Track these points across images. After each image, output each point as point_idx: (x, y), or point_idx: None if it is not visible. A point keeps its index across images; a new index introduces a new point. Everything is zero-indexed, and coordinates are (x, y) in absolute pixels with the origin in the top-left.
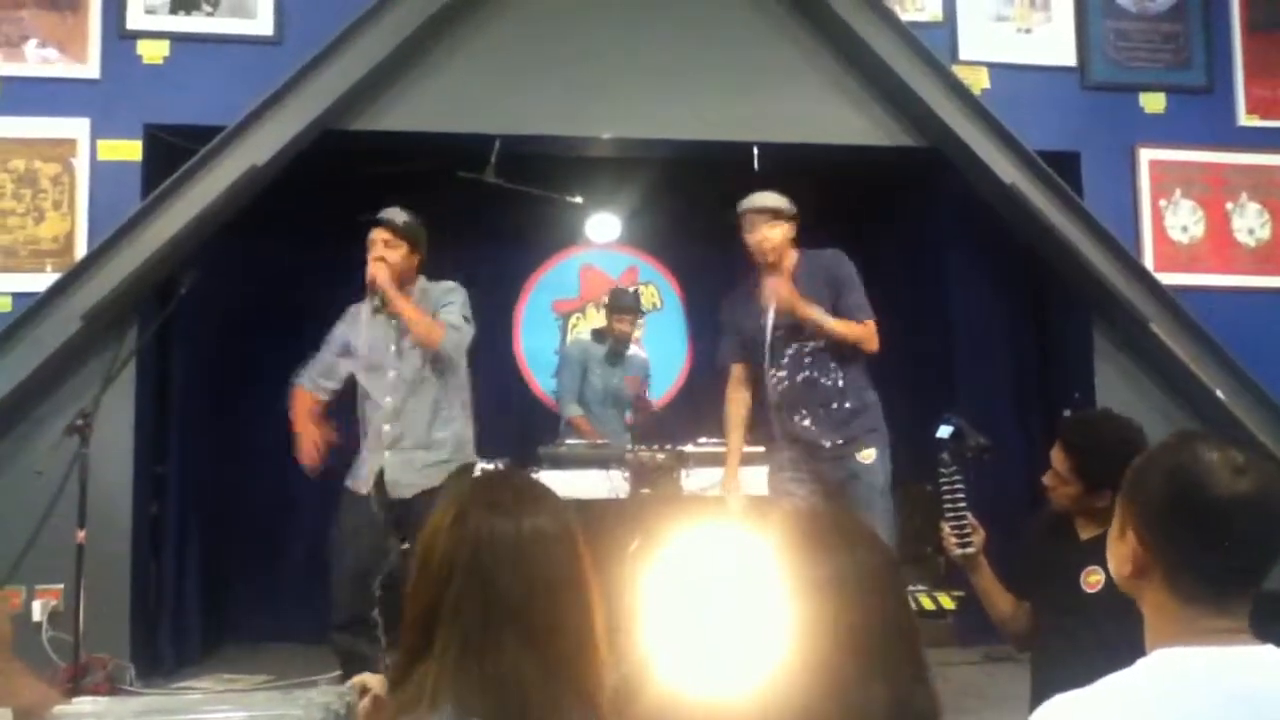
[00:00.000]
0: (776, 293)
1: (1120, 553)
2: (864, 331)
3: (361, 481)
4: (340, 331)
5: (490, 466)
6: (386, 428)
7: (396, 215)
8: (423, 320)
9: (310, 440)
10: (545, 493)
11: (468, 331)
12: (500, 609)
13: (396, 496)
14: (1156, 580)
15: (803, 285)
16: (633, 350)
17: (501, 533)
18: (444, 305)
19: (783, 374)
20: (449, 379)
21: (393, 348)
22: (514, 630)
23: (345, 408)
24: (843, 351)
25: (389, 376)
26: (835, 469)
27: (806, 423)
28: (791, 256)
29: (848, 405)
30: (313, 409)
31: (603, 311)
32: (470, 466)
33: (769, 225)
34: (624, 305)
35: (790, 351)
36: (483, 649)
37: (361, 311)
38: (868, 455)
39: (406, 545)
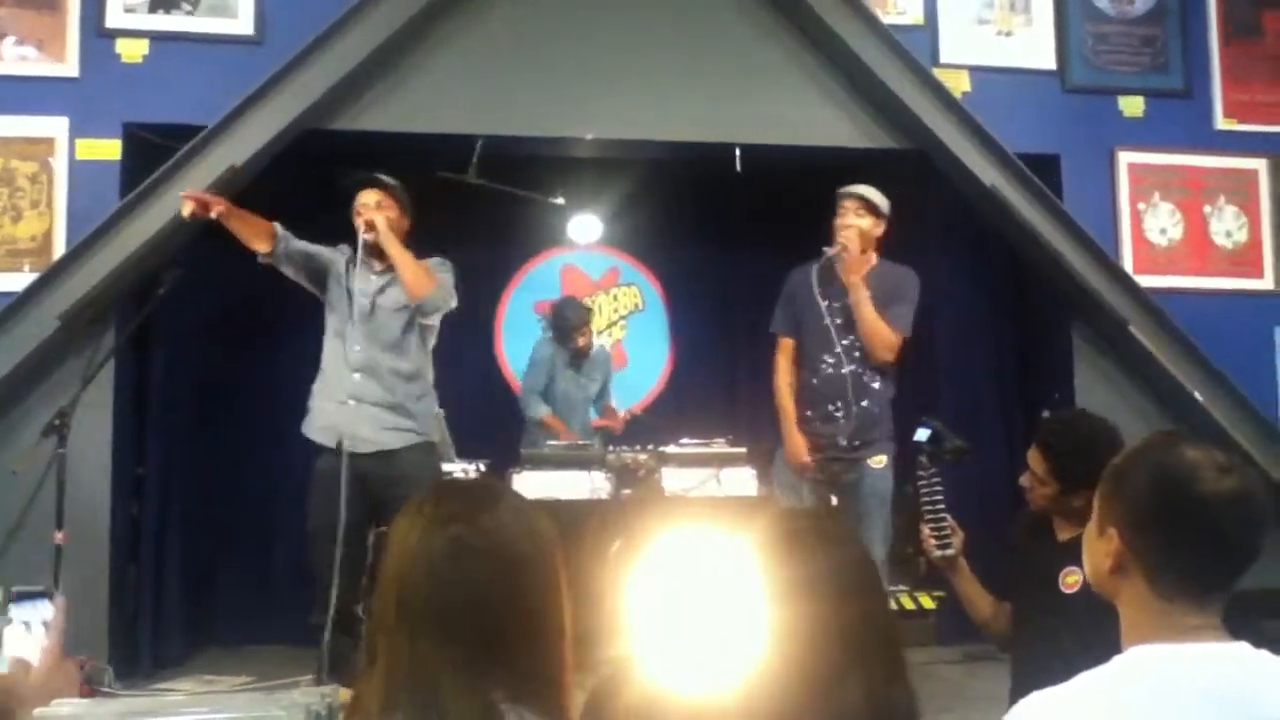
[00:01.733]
0: (848, 239)
1: (1098, 550)
2: (889, 336)
3: (317, 431)
4: (328, 252)
5: (470, 466)
6: (357, 377)
7: (385, 178)
8: (416, 267)
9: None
10: (498, 498)
11: (453, 297)
12: (415, 618)
13: (352, 451)
14: (1136, 577)
15: (871, 287)
16: (595, 349)
17: (422, 541)
18: (434, 271)
19: (833, 360)
20: (423, 351)
21: (369, 301)
22: (428, 639)
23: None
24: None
25: (365, 327)
26: (847, 470)
27: (839, 415)
28: (872, 258)
29: (878, 409)
30: (261, 227)
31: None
32: (434, 447)
33: (856, 213)
34: (578, 322)
35: (845, 342)
36: (405, 659)
37: (350, 257)
38: (879, 461)
39: (384, 529)
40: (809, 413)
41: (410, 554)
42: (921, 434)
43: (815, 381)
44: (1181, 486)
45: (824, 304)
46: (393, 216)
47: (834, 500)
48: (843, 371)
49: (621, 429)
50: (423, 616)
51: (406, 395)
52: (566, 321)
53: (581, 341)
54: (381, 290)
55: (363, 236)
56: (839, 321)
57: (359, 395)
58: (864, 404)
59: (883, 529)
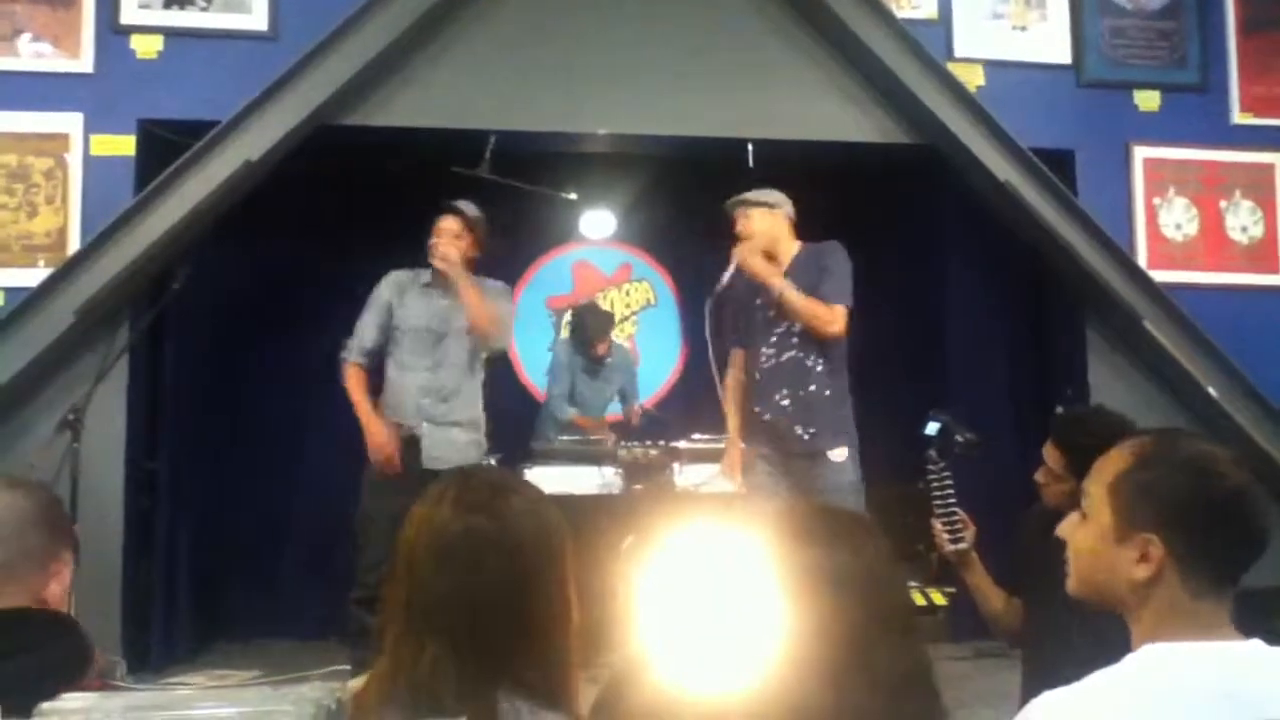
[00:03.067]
0: (739, 254)
1: (1122, 560)
2: (825, 312)
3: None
4: (385, 298)
5: (490, 461)
6: (426, 401)
7: (469, 208)
8: (483, 309)
9: (381, 428)
10: (515, 491)
11: (512, 333)
12: (425, 610)
13: (429, 468)
14: (1170, 579)
15: (797, 275)
16: (615, 354)
17: (437, 532)
18: (495, 302)
19: (771, 351)
20: (482, 369)
21: (438, 323)
22: (437, 631)
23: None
24: (822, 340)
25: (435, 352)
26: (806, 465)
27: (786, 403)
28: (792, 248)
29: (826, 393)
30: (367, 388)
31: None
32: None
33: (745, 218)
34: (599, 331)
35: (780, 330)
36: (412, 650)
37: (410, 282)
38: (839, 454)
39: None
40: (756, 409)
41: (427, 545)
42: (931, 428)
43: (759, 376)
44: (1217, 480)
45: (759, 301)
46: (464, 246)
47: (789, 488)
48: (782, 359)
49: (636, 423)
50: (435, 608)
51: (473, 408)
52: (587, 329)
53: (600, 349)
54: (451, 314)
55: (436, 263)
56: (771, 313)
57: (438, 417)
58: (810, 389)
59: None
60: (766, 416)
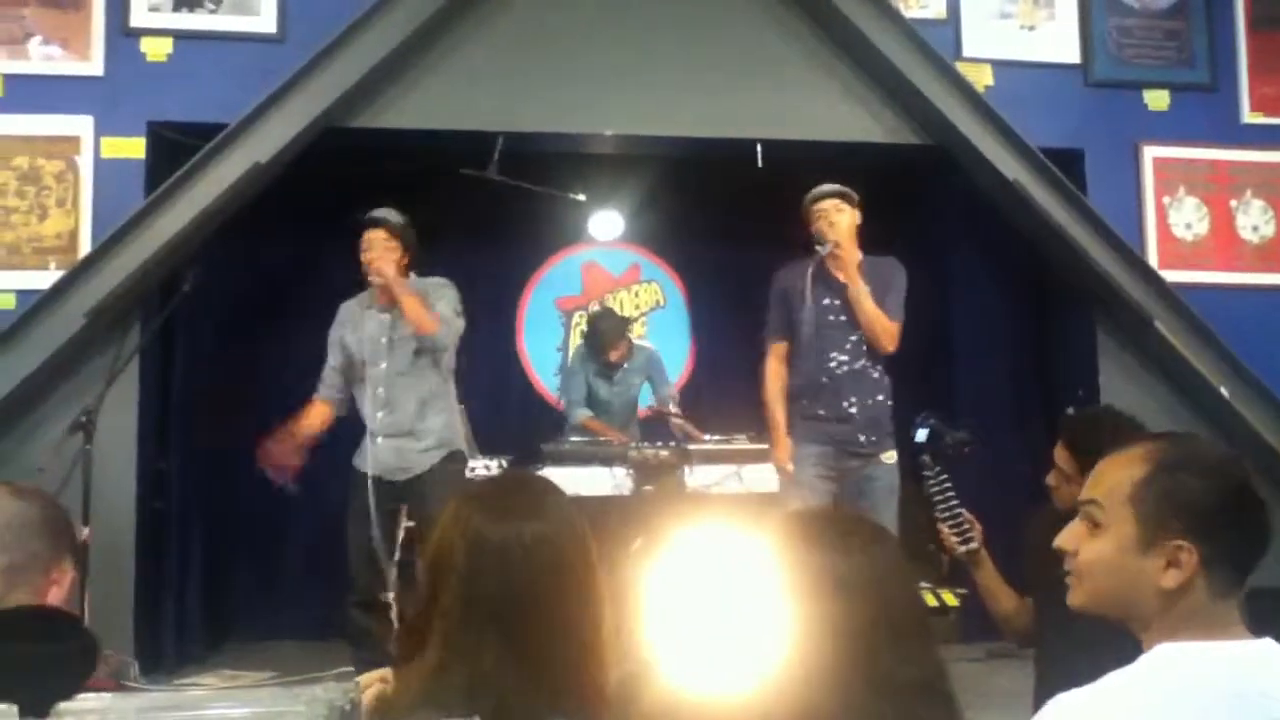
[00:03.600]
0: (846, 246)
1: (1147, 570)
2: (891, 326)
3: (364, 463)
4: (337, 335)
5: (491, 463)
6: (380, 415)
7: (393, 216)
8: (419, 310)
9: (289, 446)
10: (548, 496)
11: (458, 325)
12: (480, 611)
13: (391, 480)
14: (1198, 584)
15: (864, 280)
16: (634, 355)
17: (487, 535)
18: (437, 300)
19: (845, 358)
20: (436, 372)
21: (384, 340)
22: (494, 633)
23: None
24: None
25: (381, 368)
26: (861, 467)
27: (854, 410)
28: (858, 253)
29: (888, 403)
30: (325, 423)
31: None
32: (459, 454)
33: (838, 209)
34: (613, 338)
35: (854, 338)
36: (463, 651)
37: (355, 309)
38: (889, 457)
39: (411, 524)
40: (821, 412)
41: (474, 545)
42: (920, 434)
43: (826, 380)
44: (1240, 483)
45: (825, 302)
46: (396, 257)
47: (837, 492)
48: (855, 367)
49: (685, 416)
50: (487, 609)
51: (420, 417)
52: (599, 336)
53: (613, 356)
54: (393, 326)
55: (372, 279)
56: (843, 318)
57: (386, 431)
58: (878, 398)
59: (890, 524)
60: (832, 420)
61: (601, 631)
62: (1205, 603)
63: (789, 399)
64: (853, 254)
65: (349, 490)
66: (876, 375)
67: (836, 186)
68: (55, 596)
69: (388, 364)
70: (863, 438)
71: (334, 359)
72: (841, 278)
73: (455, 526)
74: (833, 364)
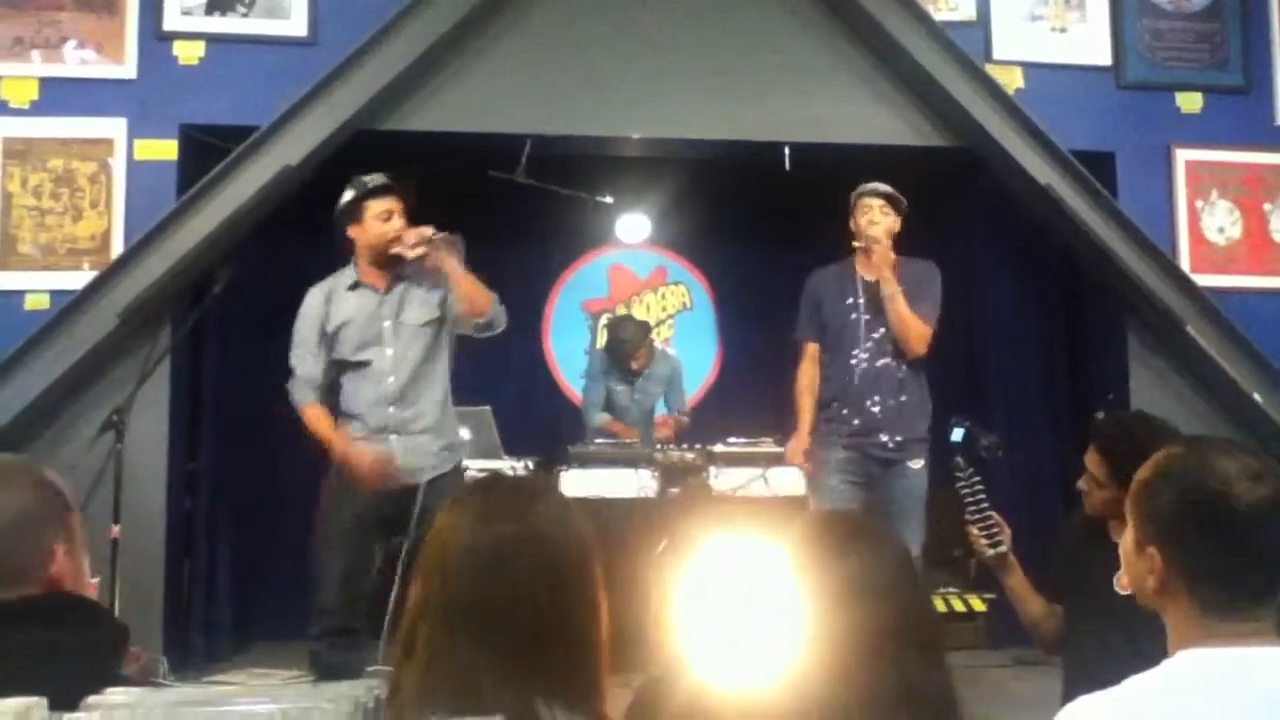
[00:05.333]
0: (883, 246)
1: (1140, 568)
2: (923, 328)
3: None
4: (312, 322)
5: (518, 464)
6: (391, 410)
7: (400, 184)
8: (478, 287)
9: (365, 455)
10: (540, 498)
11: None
12: (457, 613)
13: (405, 483)
14: (1179, 591)
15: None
16: (656, 362)
17: (471, 538)
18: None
19: (865, 355)
20: (445, 363)
21: (388, 324)
22: (470, 634)
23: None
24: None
25: (387, 354)
26: (887, 472)
27: (877, 410)
28: (892, 255)
29: (916, 403)
30: (344, 435)
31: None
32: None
33: (883, 210)
34: (634, 346)
35: (877, 335)
36: (446, 652)
37: (334, 291)
38: (917, 463)
39: (399, 539)
40: (845, 411)
41: (458, 548)
42: (956, 435)
43: (849, 379)
44: (1214, 499)
45: (851, 301)
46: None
47: (865, 498)
48: (877, 365)
49: (674, 435)
50: (467, 611)
51: (442, 412)
52: (621, 346)
53: (634, 364)
54: (400, 307)
55: (405, 252)
56: (868, 317)
57: (399, 428)
58: (902, 398)
59: (918, 529)
60: (856, 421)
61: (596, 632)
62: (1194, 613)
63: (819, 406)
64: (888, 255)
65: (323, 507)
66: (902, 375)
67: (889, 189)
68: (59, 576)
69: (395, 350)
70: (886, 438)
71: (309, 354)
72: (870, 276)
73: (437, 529)
74: (853, 361)
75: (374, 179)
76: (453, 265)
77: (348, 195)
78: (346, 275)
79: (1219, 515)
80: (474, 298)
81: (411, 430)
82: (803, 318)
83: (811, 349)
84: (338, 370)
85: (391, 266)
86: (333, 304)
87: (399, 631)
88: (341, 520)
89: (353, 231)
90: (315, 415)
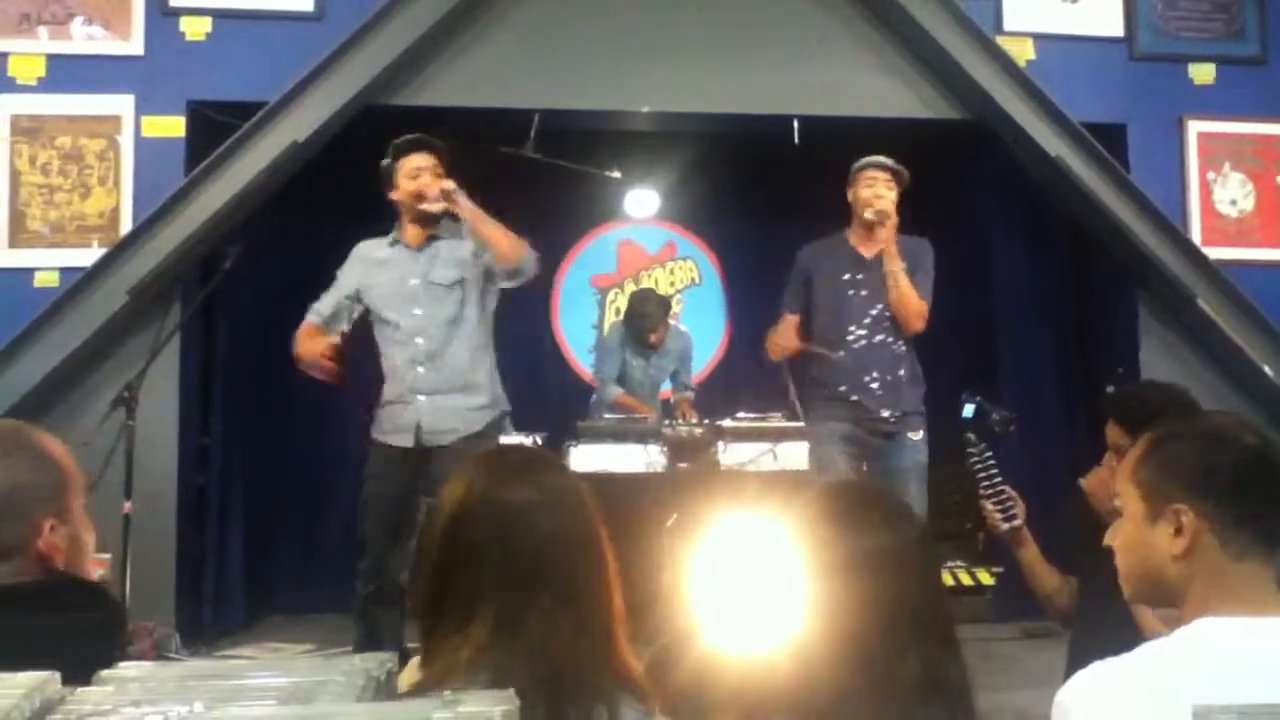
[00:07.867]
0: (890, 222)
1: (1156, 540)
2: (921, 305)
3: (391, 433)
4: (352, 275)
5: (527, 440)
6: (420, 370)
7: (435, 140)
8: (507, 231)
9: (315, 353)
10: (550, 462)
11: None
12: (524, 576)
13: (433, 444)
14: (1209, 547)
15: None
16: (671, 337)
17: (518, 501)
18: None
19: (863, 333)
20: (484, 321)
21: (415, 281)
22: (544, 596)
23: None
24: (900, 325)
25: (417, 314)
26: (886, 444)
27: (875, 386)
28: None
29: (912, 377)
30: (318, 340)
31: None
32: (508, 414)
33: (887, 184)
34: (656, 320)
35: (874, 312)
36: (515, 617)
37: (375, 250)
38: (917, 434)
39: (432, 499)
40: (842, 388)
41: (504, 514)
42: (967, 410)
43: (844, 355)
44: (1232, 444)
45: (845, 277)
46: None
47: (865, 469)
48: (874, 342)
49: (680, 412)
50: (524, 572)
51: (472, 369)
52: (643, 319)
53: (654, 338)
54: (429, 268)
55: (429, 208)
56: (865, 293)
57: (429, 388)
58: (899, 373)
59: (919, 499)
60: (854, 397)
61: (616, 593)
62: (1226, 564)
63: (815, 384)
64: (892, 231)
65: (367, 467)
66: (899, 351)
67: (894, 163)
68: (48, 550)
69: (426, 310)
70: (886, 413)
71: (337, 294)
72: (867, 252)
73: (471, 500)
74: (850, 338)
75: (417, 137)
76: (473, 210)
77: (385, 161)
78: (389, 237)
79: (1243, 457)
80: (499, 243)
81: (441, 390)
82: (790, 290)
83: (791, 319)
84: (375, 330)
85: (426, 224)
86: (372, 256)
87: (433, 606)
88: (382, 482)
89: (391, 194)
90: (307, 329)
